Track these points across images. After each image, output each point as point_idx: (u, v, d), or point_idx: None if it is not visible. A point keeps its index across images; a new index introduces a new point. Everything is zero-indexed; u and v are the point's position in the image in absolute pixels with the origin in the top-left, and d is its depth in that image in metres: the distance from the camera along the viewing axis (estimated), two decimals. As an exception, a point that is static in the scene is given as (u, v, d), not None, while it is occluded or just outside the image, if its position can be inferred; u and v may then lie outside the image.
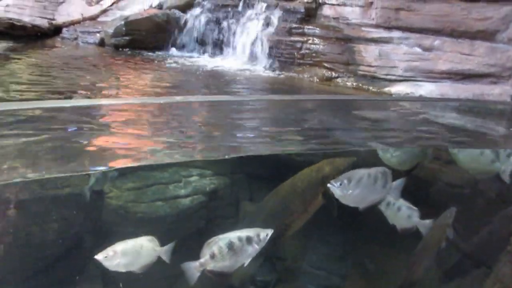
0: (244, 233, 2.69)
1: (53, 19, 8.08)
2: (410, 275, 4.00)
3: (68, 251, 3.68)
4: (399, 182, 2.88)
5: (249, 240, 2.67)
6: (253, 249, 2.69)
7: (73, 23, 7.44)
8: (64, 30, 7.15)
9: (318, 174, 3.80)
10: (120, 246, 2.65)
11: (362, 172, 2.75)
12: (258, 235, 2.70)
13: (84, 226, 3.73)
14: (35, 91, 4.06)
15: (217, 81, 5.37)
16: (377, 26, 5.78)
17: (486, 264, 4.05)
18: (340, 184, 2.66)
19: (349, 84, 5.69)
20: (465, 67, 5.27)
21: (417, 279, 3.96)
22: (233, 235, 2.66)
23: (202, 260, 2.60)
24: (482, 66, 5.20)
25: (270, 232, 2.74)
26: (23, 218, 3.49)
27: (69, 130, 2.71)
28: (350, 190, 2.68)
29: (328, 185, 2.66)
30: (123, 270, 2.66)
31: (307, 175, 3.86)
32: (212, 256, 2.60)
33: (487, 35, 5.21)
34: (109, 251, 2.61)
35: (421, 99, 5.14)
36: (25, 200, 3.41)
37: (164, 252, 2.78)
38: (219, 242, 2.62)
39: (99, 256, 2.57)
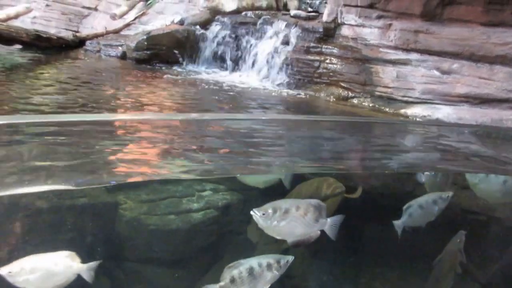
0: (264, 259, 2.71)
1: (78, 32, 8.31)
2: None
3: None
4: (336, 218, 2.61)
5: (269, 266, 2.69)
6: (273, 275, 2.70)
7: (96, 36, 7.62)
8: (88, 42, 7.32)
9: (317, 190, 3.79)
10: (29, 261, 2.34)
11: (291, 202, 2.55)
12: (278, 262, 2.72)
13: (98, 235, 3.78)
14: (51, 104, 4.16)
15: (233, 97, 5.43)
16: (395, 47, 5.79)
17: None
18: (263, 214, 2.43)
19: (365, 104, 5.70)
20: (484, 92, 5.23)
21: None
22: (254, 261, 2.68)
23: (222, 283, 2.63)
24: (501, 91, 5.16)
25: (290, 259, 2.75)
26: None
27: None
28: (274, 221, 2.44)
29: (251, 212, 2.44)
30: None
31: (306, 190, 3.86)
32: (232, 281, 2.63)
33: (507, 60, 5.18)
34: (15, 266, 2.30)
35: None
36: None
37: (85, 270, 2.49)
38: (240, 267, 2.65)
39: (2, 271, 2.27)
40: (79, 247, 3.68)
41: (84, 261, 2.54)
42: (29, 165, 2.43)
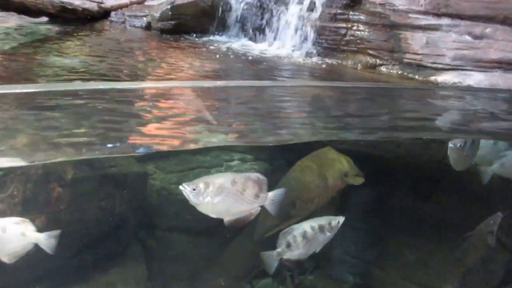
0: (316, 221, 2.83)
1: (102, 3, 8.28)
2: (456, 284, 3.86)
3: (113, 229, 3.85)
4: (277, 193, 2.39)
5: (321, 228, 2.81)
6: (325, 237, 2.84)
7: (120, 6, 7.59)
8: (112, 13, 7.31)
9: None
10: None
11: (226, 176, 2.33)
12: (329, 223, 2.83)
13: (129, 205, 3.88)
14: (85, 73, 4.21)
15: (259, 66, 5.40)
16: (425, 12, 5.60)
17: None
18: (194, 189, 2.22)
19: (393, 72, 5.58)
20: (518, 57, 5.06)
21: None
22: (306, 225, 2.81)
23: (279, 249, 2.76)
24: (536, 56, 4.98)
25: (341, 219, 2.86)
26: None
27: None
28: (207, 197, 2.22)
29: (180, 187, 2.26)
30: None
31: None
32: (288, 246, 2.75)
33: (544, 24, 4.97)
34: None
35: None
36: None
37: (42, 239, 2.24)
38: (293, 232, 2.77)
39: None
40: (111, 216, 3.80)
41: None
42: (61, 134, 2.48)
